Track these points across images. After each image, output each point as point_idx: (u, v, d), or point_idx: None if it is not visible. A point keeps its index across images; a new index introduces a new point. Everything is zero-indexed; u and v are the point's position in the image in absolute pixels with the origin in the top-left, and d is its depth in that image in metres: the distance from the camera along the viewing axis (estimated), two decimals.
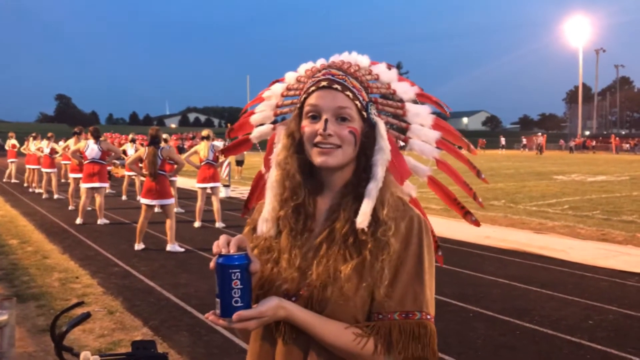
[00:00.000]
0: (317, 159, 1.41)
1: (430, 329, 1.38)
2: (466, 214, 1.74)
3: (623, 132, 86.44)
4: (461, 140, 1.72)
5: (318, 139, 1.40)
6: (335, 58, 1.60)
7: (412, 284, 1.37)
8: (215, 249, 1.30)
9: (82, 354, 1.69)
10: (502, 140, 67.04)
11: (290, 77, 1.68)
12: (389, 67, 1.66)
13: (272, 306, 1.30)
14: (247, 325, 1.28)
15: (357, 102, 1.44)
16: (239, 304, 1.26)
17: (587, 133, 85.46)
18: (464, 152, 1.74)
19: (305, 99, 1.46)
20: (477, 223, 1.76)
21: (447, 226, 9.33)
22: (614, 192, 17.21)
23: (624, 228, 10.63)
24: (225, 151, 1.94)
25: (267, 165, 1.65)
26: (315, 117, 1.42)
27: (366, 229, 1.37)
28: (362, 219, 1.37)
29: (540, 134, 67.11)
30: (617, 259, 8.05)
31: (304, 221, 1.45)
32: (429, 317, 1.38)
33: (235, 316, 1.26)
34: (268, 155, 1.64)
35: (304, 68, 1.64)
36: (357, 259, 1.36)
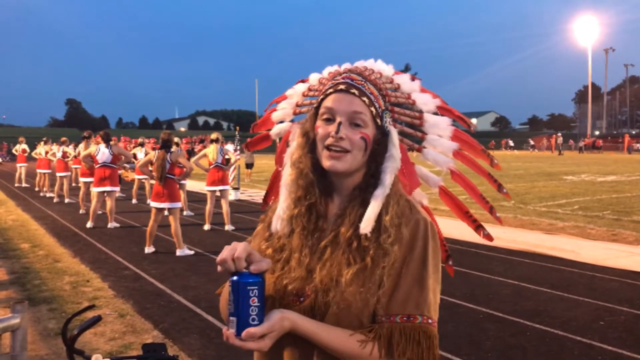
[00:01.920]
0: (326, 163, 1.42)
1: (431, 333, 1.36)
2: (478, 228, 1.71)
3: (633, 132, 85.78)
4: (483, 154, 1.68)
5: (329, 141, 1.41)
6: (360, 64, 1.61)
7: (415, 287, 1.36)
8: (227, 264, 1.27)
9: (94, 357, 1.71)
10: (510, 142, 67.37)
11: (313, 78, 1.70)
12: (413, 78, 1.67)
13: (277, 319, 1.29)
14: (261, 346, 1.27)
15: (373, 109, 1.44)
16: (255, 322, 1.25)
17: (597, 133, 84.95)
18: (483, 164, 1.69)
19: (322, 100, 1.47)
20: (489, 237, 1.72)
21: (456, 227, 9.37)
22: (624, 192, 17.10)
23: (634, 228, 10.56)
24: (249, 145, 1.97)
25: (279, 162, 1.67)
26: (329, 119, 1.43)
27: (369, 235, 1.37)
28: (366, 225, 1.37)
29: (559, 134, 66.48)
30: (628, 260, 8.01)
31: (316, 220, 1.46)
32: (430, 321, 1.37)
33: (245, 333, 1.24)
34: (281, 153, 1.66)
35: (328, 71, 1.66)
36: (359, 265, 1.36)
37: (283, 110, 1.75)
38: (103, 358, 1.72)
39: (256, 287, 1.25)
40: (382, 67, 1.63)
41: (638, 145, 61.59)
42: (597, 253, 8.46)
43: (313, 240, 1.44)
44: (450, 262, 1.71)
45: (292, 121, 1.74)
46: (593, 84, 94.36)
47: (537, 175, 25.06)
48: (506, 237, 9.66)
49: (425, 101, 1.64)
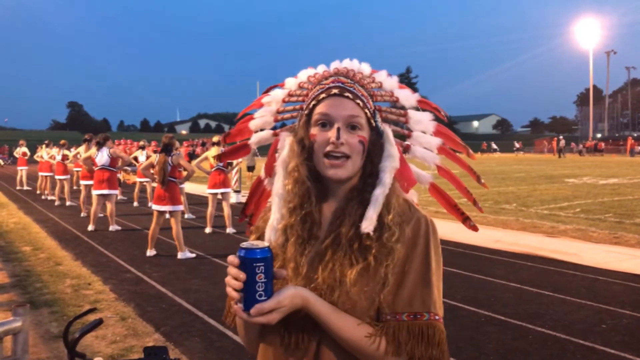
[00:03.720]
0: (328, 171, 1.41)
1: (439, 329, 1.38)
2: (465, 220, 1.74)
3: (635, 134, 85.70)
4: (460, 145, 1.73)
5: (330, 147, 1.40)
6: (337, 65, 1.59)
7: (420, 285, 1.38)
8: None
9: None
10: (493, 145, 68.89)
11: (291, 82, 1.67)
12: (389, 75, 1.67)
13: (289, 294, 1.29)
14: (269, 320, 1.27)
15: (367, 111, 1.45)
16: (262, 298, 1.25)
17: (599, 135, 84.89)
18: (463, 157, 1.76)
19: (314, 105, 1.45)
20: (475, 228, 1.76)
21: (457, 230, 9.25)
22: (626, 194, 17.07)
23: (637, 231, 10.53)
24: (222, 156, 1.93)
25: (269, 172, 1.65)
26: (325, 124, 1.42)
27: (371, 234, 1.37)
28: (367, 224, 1.37)
29: (561, 137, 66.44)
30: (630, 262, 7.99)
31: (310, 229, 1.45)
32: (437, 317, 1.38)
33: (254, 310, 1.25)
34: (271, 162, 1.63)
35: (305, 74, 1.64)
36: (362, 264, 1.36)
37: (262, 118, 1.70)
38: None
39: (263, 264, 1.25)
40: (362, 67, 1.62)
41: (639, 147, 61.47)
42: (599, 256, 8.44)
43: (309, 249, 1.43)
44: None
45: (273, 129, 1.71)
46: (595, 87, 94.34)
47: (538, 178, 25.04)
48: (508, 239, 9.66)
49: (406, 97, 1.64)
